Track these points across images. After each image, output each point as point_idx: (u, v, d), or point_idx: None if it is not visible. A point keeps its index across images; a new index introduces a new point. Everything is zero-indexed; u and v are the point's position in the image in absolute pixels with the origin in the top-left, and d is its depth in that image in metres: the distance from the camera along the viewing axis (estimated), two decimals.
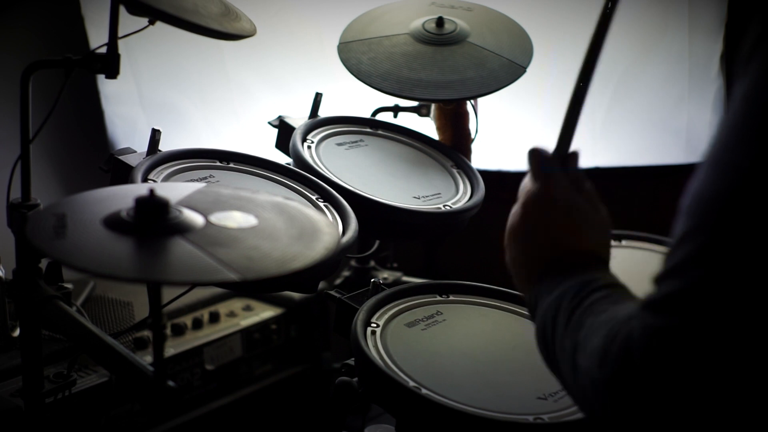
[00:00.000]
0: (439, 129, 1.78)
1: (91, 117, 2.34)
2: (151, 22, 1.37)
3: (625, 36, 2.22)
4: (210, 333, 1.77)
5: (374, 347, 1.22)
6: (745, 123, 0.78)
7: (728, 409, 0.77)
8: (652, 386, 0.79)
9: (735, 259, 0.76)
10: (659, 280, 0.82)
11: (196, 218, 1.02)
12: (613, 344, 0.82)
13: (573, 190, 1.05)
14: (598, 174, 2.33)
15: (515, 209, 1.07)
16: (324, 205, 1.43)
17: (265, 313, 1.87)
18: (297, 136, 1.58)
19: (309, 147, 1.58)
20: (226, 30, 1.37)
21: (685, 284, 0.78)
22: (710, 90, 2.22)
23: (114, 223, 0.99)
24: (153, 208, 1.00)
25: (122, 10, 1.34)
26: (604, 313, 0.89)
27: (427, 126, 1.80)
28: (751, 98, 0.78)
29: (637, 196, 2.42)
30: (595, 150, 2.30)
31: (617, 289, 0.94)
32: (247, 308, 1.88)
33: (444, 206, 1.54)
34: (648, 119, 2.27)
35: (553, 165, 1.07)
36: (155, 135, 1.41)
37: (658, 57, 2.23)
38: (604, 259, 1.03)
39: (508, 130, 2.27)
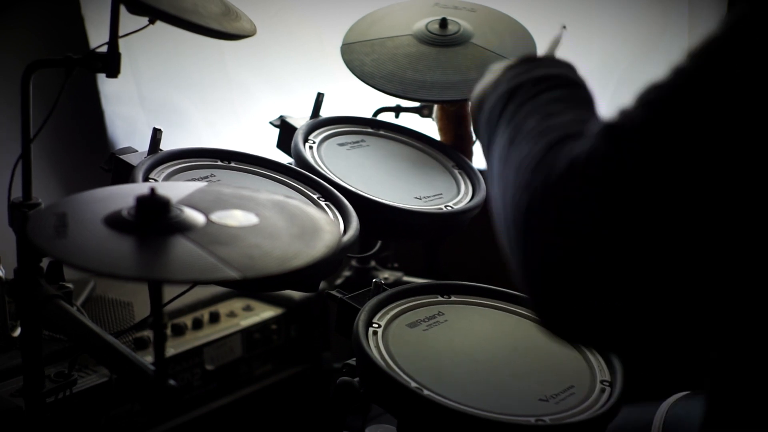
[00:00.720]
0: (440, 130, 1.78)
1: (91, 117, 2.34)
2: (151, 22, 1.37)
3: (625, 36, 2.22)
4: (210, 333, 1.77)
5: (376, 348, 1.22)
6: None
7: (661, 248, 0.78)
8: (583, 205, 0.80)
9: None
10: (627, 109, 0.85)
11: (197, 217, 1.02)
12: (557, 158, 0.84)
13: None
14: None
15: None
16: (325, 204, 1.43)
17: (266, 313, 1.87)
18: (299, 137, 1.57)
19: (311, 147, 1.58)
20: (226, 30, 1.37)
21: (648, 116, 0.82)
22: None
23: (115, 222, 0.99)
24: (154, 207, 1.00)
25: (122, 9, 1.34)
26: (552, 116, 0.91)
27: (428, 126, 1.80)
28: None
29: None
30: None
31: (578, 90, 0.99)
32: (247, 308, 1.88)
33: (445, 207, 1.54)
34: None
35: None
36: (156, 134, 1.41)
37: (658, 57, 2.23)
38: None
39: None
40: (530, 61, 1.06)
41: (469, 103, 1.15)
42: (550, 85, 0.99)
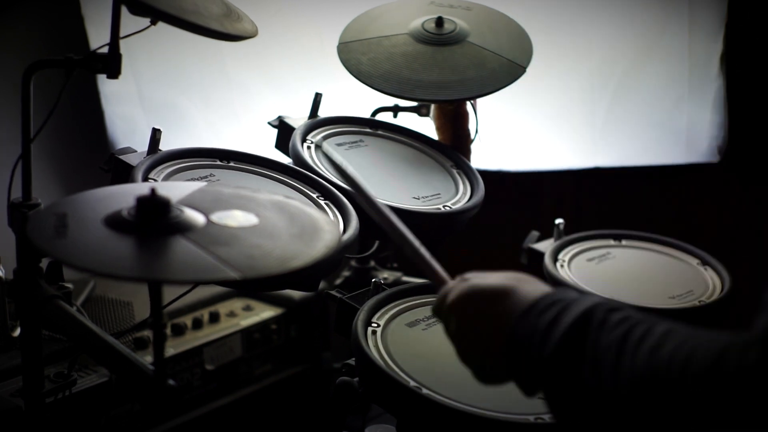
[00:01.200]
0: (438, 129, 1.78)
1: (91, 117, 2.34)
2: (153, 23, 1.37)
3: (625, 36, 2.23)
4: (210, 333, 1.77)
5: (375, 347, 1.22)
6: None
7: None
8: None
9: None
10: None
11: (197, 217, 1.02)
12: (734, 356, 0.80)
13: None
14: (598, 174, 2.33)
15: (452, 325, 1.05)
16: (325, 204, 1.43)
17: (265, 313, 1.87)
18: (297, 137, 1.58)
19: (309, 147, 1.58)
20: (228, 31, 1.37)
21: None
22: (710, 90, 2.22)
23: (115, 222, 0.99)
24: (154, 207, 1.00)
25: (123, 10, 1.34)
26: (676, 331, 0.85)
27: (426, 126, 1.80)
28: None
29: (637, 196, 2.42)
30: (595, 150, 2.30)
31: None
32: (247, 308, 1.88)
33: (444, 206, 1.54)
34: (648, 119, 2.28)
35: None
36: (156, 134, 1.41)
37: (658, 57, 2.23)
38: None
39: (507, 131, 2.27)
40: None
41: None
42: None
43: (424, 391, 1.15)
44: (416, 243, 1.12)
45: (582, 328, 0.91)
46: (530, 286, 1.01)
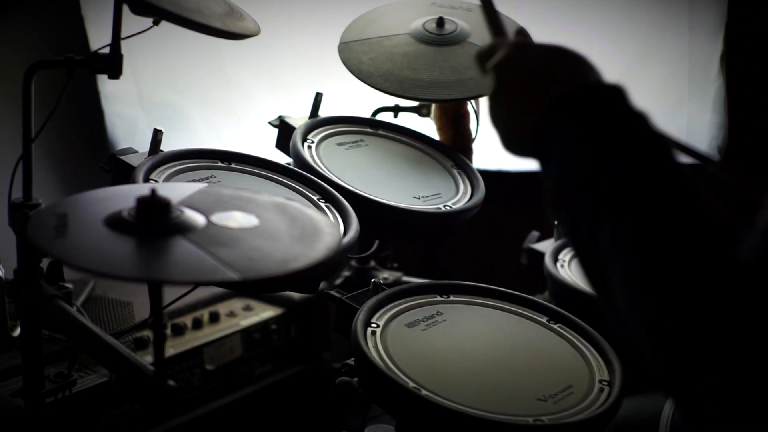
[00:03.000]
0: (439, 129, 1.78)
1: (91, 117, 2.34)
2: (155, 23, 1.37)
3: (625, 36, 2.23)
4: (210, 333, 1.77)
5: (374, 347, 1.22)
6: None
7: None
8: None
9: None
10: None
11: (198, 218, 1.02)
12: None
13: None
14: None
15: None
16: (325, 206, 1.43)
17: (265, 313, 1.87)
18: (297, 136, 1.58)
19: (309, 147, 1.58)
20: (230, 29, 1.37)
21: None
22: (710, 90, 2.22)
23: (115, 222, 0.99)
24: (154, 207, 1.00)
25: (125, 10, 1.34)
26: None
27: (427, 126, 1.80)
28: None
29: None
30: None
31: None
32: (247, 308, 1.88)
33: (444, 206, 1.54)
34: None
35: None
36: (157, 135, 1.41)
37: (658, 57, 2.23)
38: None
39: None
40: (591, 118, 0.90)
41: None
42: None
43: (424, 392, 1.14)
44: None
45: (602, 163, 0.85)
46: (590, 72, 0.94)
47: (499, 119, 0.99)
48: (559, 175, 0.90)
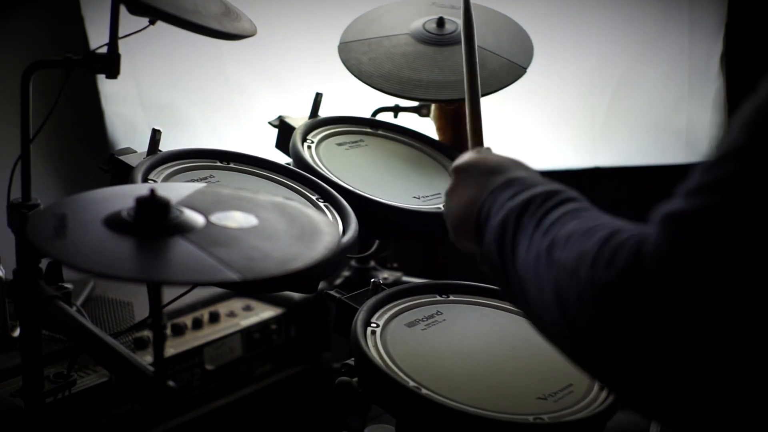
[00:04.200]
0: (439, 129, 1.78)
1: (91, 117, 2.34)
2: (152, 22, 1.37)
3: (625, 36, 2.23)
4: (210, 333, 1.77)
5: (374, 347, 1.22)
6: None
7: (734, 340, 0.73)
8: (659, 300, 0.75)
9: None
10: (689, 193, 0.77)
11: (197, 218, 1.02)
12: (620, 248, 0.80)
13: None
14: (598, 174, 2.33)
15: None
16: (324, 205, 1.43)
17: (265, 313, 1.87)
18: (297, 136, 1.58)
19: (309, 147, 1.58)
20: (227, 30, 1.37)
21: (720, 205, 0.74)
22: (710, 90, 2.22)
23: (114, 223, 0.99)
24: (154, 208, 1.00)
25: (122, 10, 1.34)
26: (589, 220, 0.90)
27: (427, 126, 1.80)
28: None
29: (637, 196, 2.42)
30: (595, 150, 2.31)
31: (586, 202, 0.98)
32: (247, 308, 1.88)
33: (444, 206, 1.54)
34: (648, 119, 2.28)
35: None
36: (156, 135, 1.41)
37: (658, 57, 2.23)
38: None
39: (508, 131, 2.27)
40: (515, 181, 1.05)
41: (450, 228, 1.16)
42: (562, 199, 0.98)
43: (423, 391, 1.15)
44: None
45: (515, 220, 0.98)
46: (521, 170, 1.08)
47: (448, 217, 1.16)
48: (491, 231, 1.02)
